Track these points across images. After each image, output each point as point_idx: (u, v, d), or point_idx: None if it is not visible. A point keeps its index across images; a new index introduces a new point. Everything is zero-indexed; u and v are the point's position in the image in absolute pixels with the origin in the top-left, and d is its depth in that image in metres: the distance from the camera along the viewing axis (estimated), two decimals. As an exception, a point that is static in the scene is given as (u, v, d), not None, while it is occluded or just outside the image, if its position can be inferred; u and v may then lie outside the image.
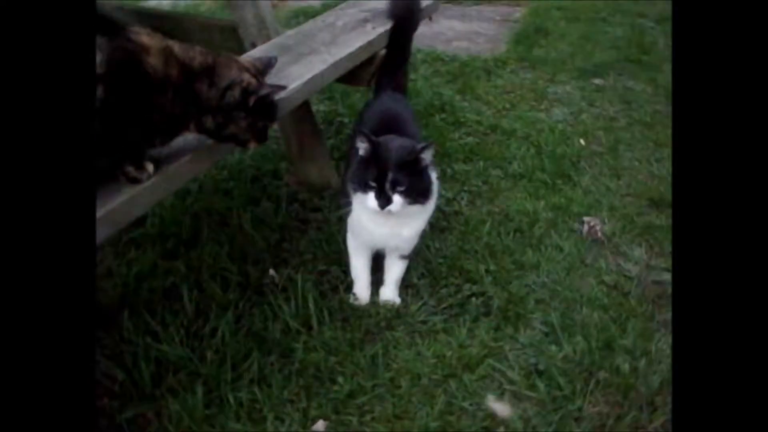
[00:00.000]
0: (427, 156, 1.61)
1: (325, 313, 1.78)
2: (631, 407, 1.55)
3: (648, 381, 1.60)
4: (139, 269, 1.90)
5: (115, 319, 1.72)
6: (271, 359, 1.64)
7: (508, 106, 3.07)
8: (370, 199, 1.60)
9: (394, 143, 1.63)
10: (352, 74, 1.96)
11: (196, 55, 1.25)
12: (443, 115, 2.92)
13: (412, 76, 3.09)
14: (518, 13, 4.39)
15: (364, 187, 1.61)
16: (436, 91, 3.10)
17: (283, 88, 1.39)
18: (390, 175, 1.57)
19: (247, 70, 1.31)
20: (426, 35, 3.71)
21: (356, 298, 1.85)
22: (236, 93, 1.28)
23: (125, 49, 1.13)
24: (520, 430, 1.49)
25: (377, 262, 1.90)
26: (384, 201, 1.59)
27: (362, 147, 1.63)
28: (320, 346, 1.68)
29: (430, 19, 2.36)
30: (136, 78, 1.15)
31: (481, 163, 2.56)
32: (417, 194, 1.62)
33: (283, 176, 2.41)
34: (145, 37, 1.17)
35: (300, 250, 2.03)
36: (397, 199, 1.59)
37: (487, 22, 4.26)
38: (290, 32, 2.03)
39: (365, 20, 2.08)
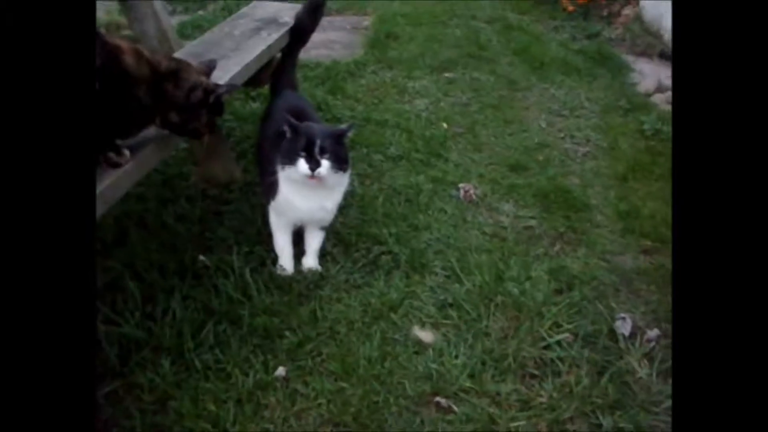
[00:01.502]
0: (347, 135, 1.92)
1: (260, 283, 2.01)
2: (525, 319, 1.95)
3: (534, 297, 2.01)
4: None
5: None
6: (223, 327, 1.85)
7: (375, 101, 3.44)
8: (301, 165, 1.86)
9: (317, 125, 1.92)
10: (254, 77, 2.21)
11: (161, 59, 1.47)
12: (320, 113, 3.22)
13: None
14: (367, 21, 4.80)
15: (294, 157, 1.87)
16: (310, 93, 3.39)
17: (236, 87, 1.62)
18: (318, 143, 1.85)
19: (203, 73, 1.55)
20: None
21: (283, 269, 2.10)
22: (199, 93, 1.51)
23: (104, 48, 1.31)
24: (445, 348, 1.84)
25: (296, 236, 2.16)
26: (314, 165, 1.86)
27: (288, 132, 1.90)
28: (263, 310, 1.92)
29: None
30: (119, 73, 1.34)
31: (364, 150, 2.90)
32: (340, 161, 1.91)
33: (190, 177, 2.59)
34: (117, 39, 1.36)
35: (222, 237, 2.24)
36: (324, 163, 1.87)
37: (340, 31, 4.63)
38: (194, 42, 2.24)
39: (259, 29, 2.33)
